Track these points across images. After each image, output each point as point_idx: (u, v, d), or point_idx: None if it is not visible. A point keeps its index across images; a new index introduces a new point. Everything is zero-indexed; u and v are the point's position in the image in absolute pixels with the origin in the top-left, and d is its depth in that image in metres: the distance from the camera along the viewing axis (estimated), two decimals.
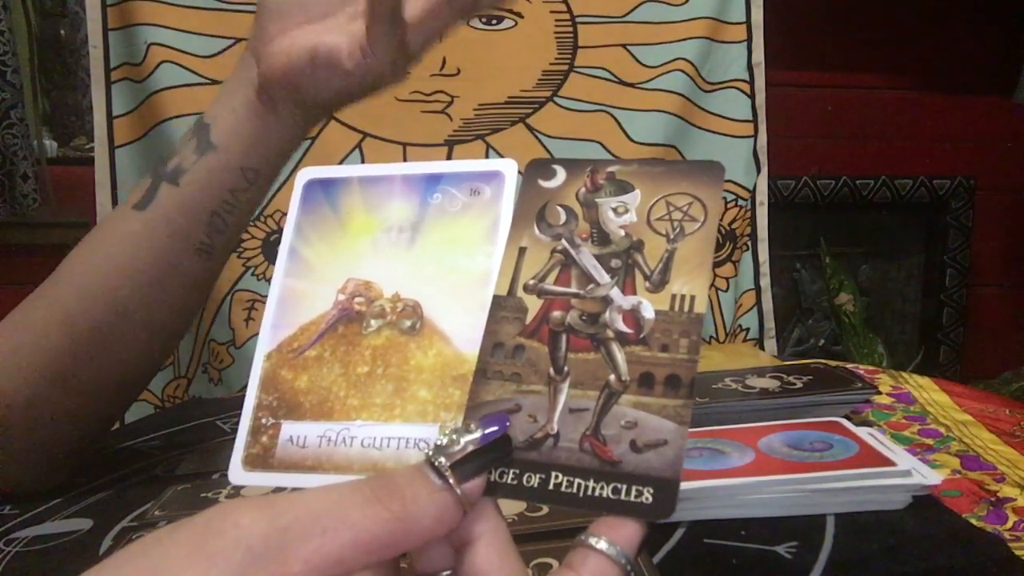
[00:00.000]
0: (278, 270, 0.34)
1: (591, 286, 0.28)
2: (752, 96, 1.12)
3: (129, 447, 0.66)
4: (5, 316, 0.53)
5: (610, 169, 0.30)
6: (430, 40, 0.48)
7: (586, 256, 0.29)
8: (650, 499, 0.24)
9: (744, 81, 1.12)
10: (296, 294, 0.33)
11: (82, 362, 0.52)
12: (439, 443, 0.24)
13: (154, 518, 0.49)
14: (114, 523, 0.49)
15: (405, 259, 0.32)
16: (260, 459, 0.31)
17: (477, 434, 0.24)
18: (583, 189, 0.30)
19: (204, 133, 0.51)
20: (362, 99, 0.51)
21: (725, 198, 1.10)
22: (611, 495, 0.25)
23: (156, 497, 0.52)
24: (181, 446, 0.65)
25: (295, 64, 0.48)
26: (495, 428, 0.25)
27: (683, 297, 0.27)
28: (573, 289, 0.28)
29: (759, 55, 1.11)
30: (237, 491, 0.51)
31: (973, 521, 0.48)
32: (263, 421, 0.31)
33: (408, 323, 0.31)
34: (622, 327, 0.27)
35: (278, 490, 0.46)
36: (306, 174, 0.35)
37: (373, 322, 0.31)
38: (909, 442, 0.62)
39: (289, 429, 0.31)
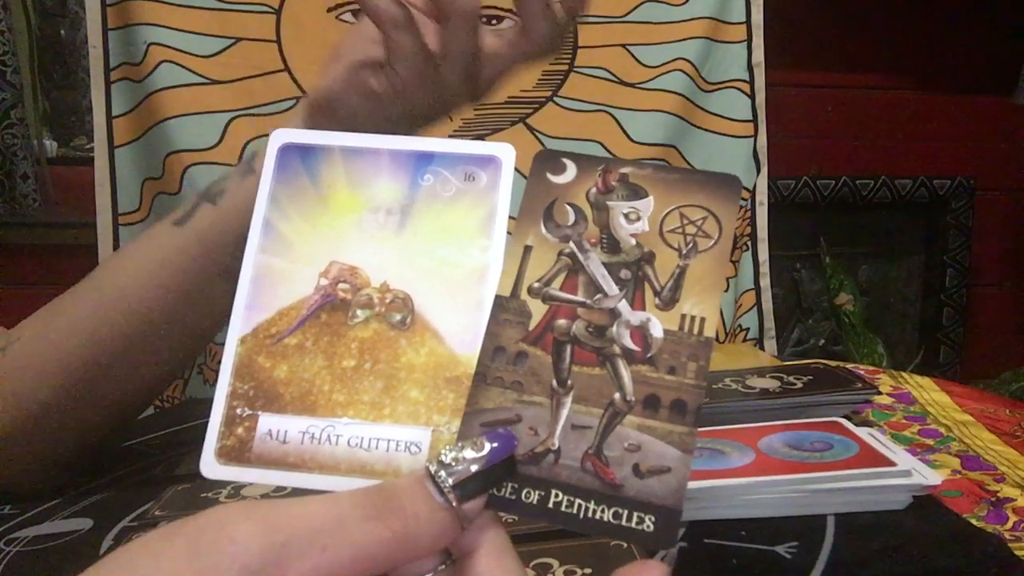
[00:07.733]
0: (251, 244, 0.31)
1: (599, 296, 0.27)
2: (752, 96, 1.12)
3: (129, 447, 0.66)
4: (12, 317, 0.54)
5: (623, 170, 0.28)
6: None
7: (595, 263, 0.27)
8: (651, 527, 0.24)
9: (744, 81, 1.12)
10: (272, 273, 0.30)
11: (101, 377, 0.52)
12: (443, 459, 0.23)
13: (154, 518, 0.49)
14: (114, 523, 0.49)
15: (393, 245, 0.30)
16: (235, 452, 0.28)
17: (483, 452, 0.24)
18: (594, 189, 0.28)
19: (250, 160, 0.54)
20: None
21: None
22: (612, 519, 0.24)
23: (156, 497, 0.52)
24: (181, 446, 0.64)
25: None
26: (502, 447, 0.24)
27: (693, 318, 0.26)
28: (580, 298, 0.27)
29: (759, 55, 1.11)
30: (237, 491, 0.51)
31: (973, 521, 0.48)
32: (238, 411, 0.29)
33: (398, 316, 0.29)
34: (629, 344, 0.26)
35: (278, 489, 0.46)
36: (281, 136, 0.32)
37: (360, 312, 0.29)
38: (909, 442, 0.62)
39: (268, 422, 0.29)
